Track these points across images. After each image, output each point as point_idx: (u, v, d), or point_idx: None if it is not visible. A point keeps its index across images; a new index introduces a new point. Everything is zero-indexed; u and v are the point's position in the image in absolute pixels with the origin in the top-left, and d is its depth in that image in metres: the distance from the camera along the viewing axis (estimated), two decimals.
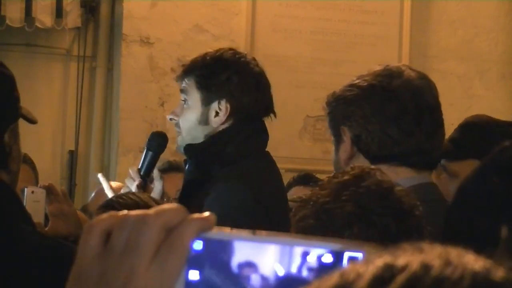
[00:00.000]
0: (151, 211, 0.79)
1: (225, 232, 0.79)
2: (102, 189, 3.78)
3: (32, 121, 2.02)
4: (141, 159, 2.98)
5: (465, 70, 5.80)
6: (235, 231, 0.80)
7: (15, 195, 1.94)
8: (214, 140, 2.70)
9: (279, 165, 2.84)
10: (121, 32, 5.47)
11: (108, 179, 3.22)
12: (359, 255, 0.75)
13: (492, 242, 1.40)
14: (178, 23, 5.48)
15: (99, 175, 3.10)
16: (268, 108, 2.75)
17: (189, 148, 2.74)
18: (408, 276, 0.63)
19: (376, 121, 2.22)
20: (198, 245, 0.78)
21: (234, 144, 2.68)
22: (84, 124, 5.67)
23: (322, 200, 1.65)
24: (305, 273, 0.76)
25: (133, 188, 2.87)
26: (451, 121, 2.67)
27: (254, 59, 2.78)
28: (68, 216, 2.80)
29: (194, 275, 0.78)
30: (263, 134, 2.76)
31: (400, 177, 2.13)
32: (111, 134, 5.66)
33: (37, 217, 2.68)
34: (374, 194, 1.64)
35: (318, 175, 4.14)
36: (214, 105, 2.70)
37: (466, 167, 2.49)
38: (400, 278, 0.63)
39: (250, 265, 0.77)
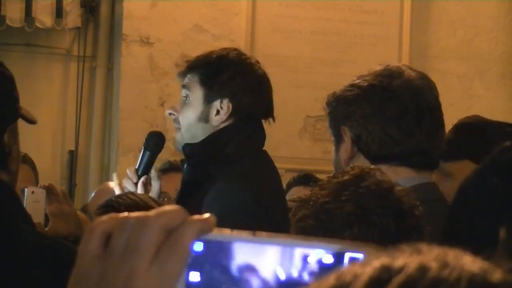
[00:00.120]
0: (151, 212, 0.79)
1: (225, 234, 0.79)
2: (102, 189, 3.79)
3: (31, 121, 2.02)
4: (138, 159, 2.97)
5: (465, 70, 5.80)
6: (235, 233, 0.79)
7: (15, 195, 1.94)
8: (213, 139, 2.70)
9: (279, 165, 2.84)
10: (121, 32, 5.47)
11: (108, 179, 3.22)
12: (360, 256, 0.75)
13: (493, 243, 1.40)
14: (178, 23, 5.48)
15: (114, 175, 3.08)
16: (268, 110, 2.75)
17: (188, 148, 2.73)
18: (405, 278, 0.63)
19: (377, 121, 2.22)
20: (198, 246, 0.78)
21: (234, 143, 2.68)
22: (84, 124, 5.67)
23: (322, 200, 1.64)
24: (306, 274, 0.76)
25: (131, 188, 2.87)
26: (451, 121, 2.67)
27: (257, 61, 2.79)
28: (68, 216, 2.80)
29: (194, 276, 0.77)
30: (262, 134, 2.76)
31: (401, 177, 2.13)
32: (111, 134, 5.66)
33: (37, 217, 2.68)
34: (374, 194, 1.64)
35: (318, 175, 4.14)
36: (216, 104, 2.71)
37: (460, 168, 2.49)
38: (397, 280, 0.63)
39: (251, 267, 0.77)
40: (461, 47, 5.79)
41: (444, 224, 1.66)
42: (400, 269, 0.64)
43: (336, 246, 0.76)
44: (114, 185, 2.97)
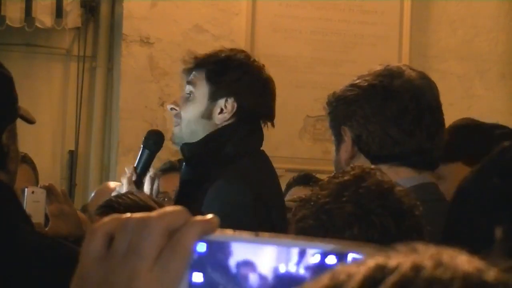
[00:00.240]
0: (153, 213, 0.79)
1: (228, 234, 0.79)
2: (102, 189, 3.78)
3: (30, 121, 2.02)
4: (137, 157, 2.97)
5: (465, 70, 5.80)
6: (238, 233, 0.79)
7: (14, 195, 1.94)
8: (213, 137, 2.70)
9: (279, 165, 2.84)
10: (121, 32, 5.47)
11: (108, 179, 3.21)
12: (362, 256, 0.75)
13: (492, 243, 1.40)
14: (178, 23, 5.48)
15: (126, 169, 3.04)
16: (268, 113, 2.76)
17: (187, 148, 2.73)
18: (399, 277, 0.63)
19: (377, 121, 2.22)
20: (201, 247, 0.78)
21: (234, 142, 2.69)
22: (84, 124, 5.67)
23: (322, 201, 1.64)
24: (309, 275, 0.76)
25: (125, 184, 2.85)
26: (451, 121, 2.67)
27: (263, 65, 2.80)
28: (68, 216, 2.80)
29: (197, 277, 0.77)
30: (260, 133, 2.77)
31: (401, 177, 2.13)
32: (111, 134, 5.66)
33: (37, 217, 2.69)
34: (374, 195, 1.64)
35: (318, 175, 4.13)
36: (221, 102, 2.71)
37: (452, 170, 2.49)
38: (391, 279, 0.63)
39: (253, 267, 0.77)
40: (461, 47, 5.79)
41: (444, 224, 1.66)
42: (394, 269, 0.64)
43: (341, 247, 0.76)
44: (123, 178, 2.93)
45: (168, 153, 4.30)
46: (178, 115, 2.77)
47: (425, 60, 5.65)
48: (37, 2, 5.45)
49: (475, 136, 2.62)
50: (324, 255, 0.76)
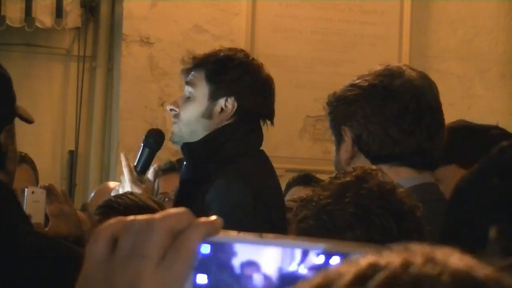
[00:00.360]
0: (157, 215, 0.79)
1: (232, 236, 0.79)
2: (102, 189, 3.78)
3: (29, 120, 2.02)
4: (137, 156, 2.97)
5: (465, 70, 5.80)
6: (242, 235, 0.79)
7: (13, 195, 1.94)
8: (213, 137, 2.70)
9: (279, 165, 2.84)
10: (121, 32, 5.47)
11: (108, 179, 3.21)
12: None
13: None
14: (178, 23, 5.48)
15: (122, 155, 3.00)
16: (268, 113, 2.76)
17: (187, 148, 2.73)
18: (388, 274, 0.64)
19: (377, 121, 2.21)
20: (205, 248, 0.78)
21: (234, 142, 2.69)
22: (84, 124, 5.67)
23: (324, 201, 1.64)
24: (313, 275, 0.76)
25: (127, 180, 2.84)
26: (451, 121, 2.67)
27: (262, 64, 2.80)
28: (68, 216, 2.80)
29: (202, 279, 0.77)
30: (260, 133, 2.77)
31: (401, 177, 2.13)
32: (111, 134, 5.66)
33: (37, 217, 2.68)
34: (376, 196, 1.63)
35: (318, 175, 4.13)
36: (221, 101, 2.71)
37: (447, 172, 2.49)
38: (380, 276, 0.64)
39: (258, 268, 0.77)
40: (461, 47, 5.79)
41: (442, 223, 1.66)
42: (385, 266, 0.65)
43: (346, 249, 0.76)
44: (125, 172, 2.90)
45: (168, 153, 4.30)
46: (177, 116, 2.77)
47: (425, 60, 5.65)
48: (37, 2, 5.45)
49: (468, 138, 2.62)
50: (328, 256, 0.76)
